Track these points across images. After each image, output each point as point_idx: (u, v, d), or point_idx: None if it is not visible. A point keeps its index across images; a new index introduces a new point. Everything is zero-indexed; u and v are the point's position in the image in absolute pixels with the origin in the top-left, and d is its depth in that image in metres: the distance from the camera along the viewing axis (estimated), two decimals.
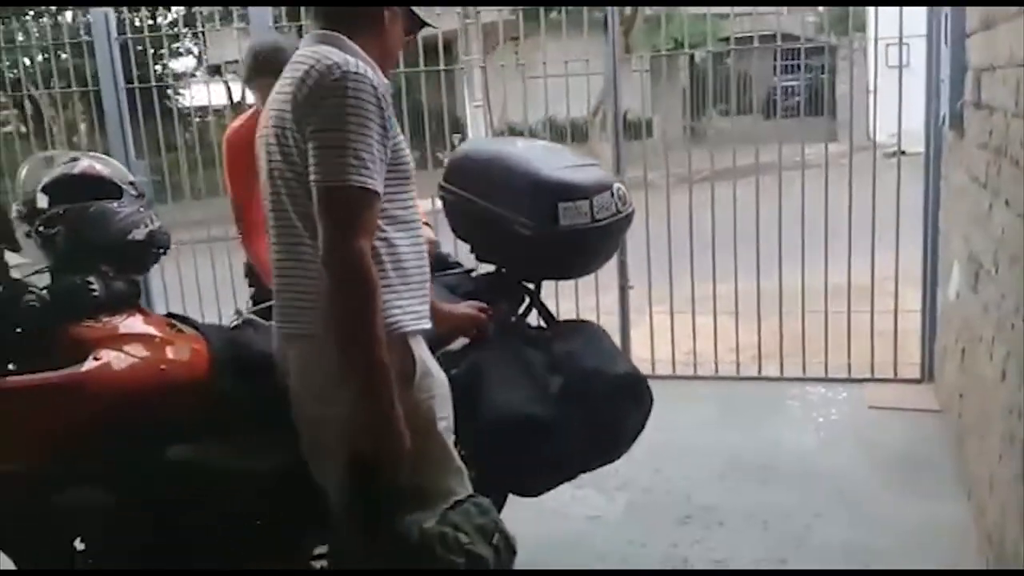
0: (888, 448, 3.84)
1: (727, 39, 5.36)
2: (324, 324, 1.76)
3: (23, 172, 2.29)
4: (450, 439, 1.99)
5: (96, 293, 2.06)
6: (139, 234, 2.24)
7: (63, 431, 1.88)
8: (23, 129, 7.43)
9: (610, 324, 4.83)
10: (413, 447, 1.78)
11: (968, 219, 3.37)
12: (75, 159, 2.29)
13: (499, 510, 2.71)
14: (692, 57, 6.40)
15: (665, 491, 3.56)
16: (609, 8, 4.72)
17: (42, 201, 2.15)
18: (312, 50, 1.82)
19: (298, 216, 1.81)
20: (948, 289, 3.92)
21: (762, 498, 3.44)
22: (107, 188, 2.23)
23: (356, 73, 1.73)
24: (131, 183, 2.30)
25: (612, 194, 2.52)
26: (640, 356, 4.86)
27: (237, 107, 8.41)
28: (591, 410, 2.40)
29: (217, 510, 2.06)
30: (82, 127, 11.97)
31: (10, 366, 1.96)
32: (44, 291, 2.00)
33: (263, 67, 2.96)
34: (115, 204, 2.22)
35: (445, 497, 1.91)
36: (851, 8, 5.81)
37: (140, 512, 1.97)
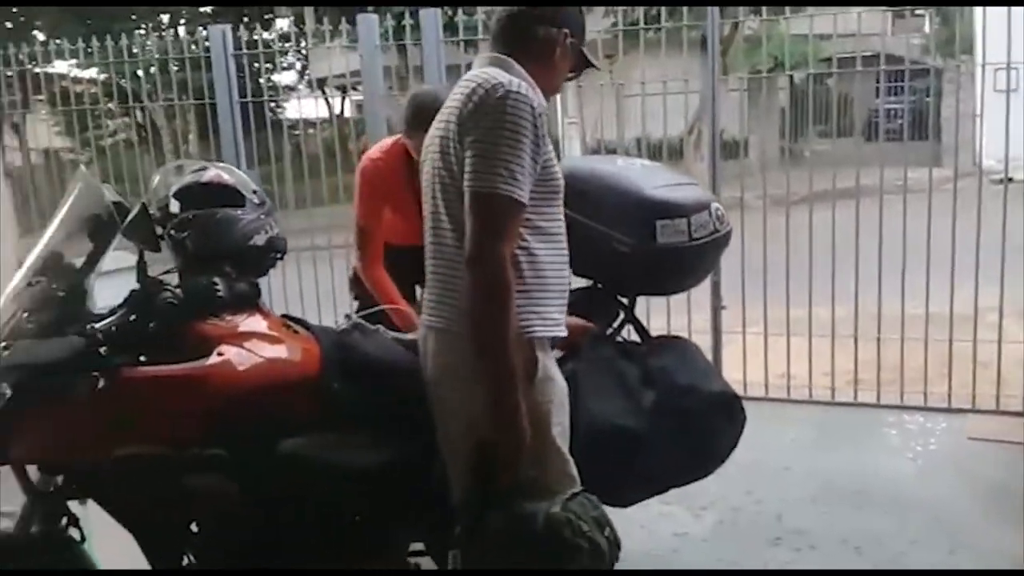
0: (988, 480, 3.74)
1: (828, 60, 5.29)
2: (463, 320, 1.90)
3: (156, 179, 2.46)
4: (564, 445, 2.06)
5: (221, 293, 2.20)
6: (260, 239, 2.38)
7: (187, 420, 2.01)
8: (135, 138, 7.83)
9: (702, 344, 4.79)
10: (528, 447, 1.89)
11: None
12: (203, 168, 2.44)
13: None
14: (791, 77, 6.34)
15: (755, 512, 3.54)
16: (709, 26, 4.74)
17: (174, 206, 2.31)
18: (483, 71, 1.98)
19: (449, 219, 1.97)
20: None
21: (856, 524, 3.40)
22: (232, 196, 2.38)
23: (517, 92, 1.88)
24: (254, 192, 2.44)
25: (710, 213, 2.55)
26: (732, 377, 4.81)
27: (338, 119, 8.70)
28: (684, 425, 2.42)
29: (322, 504, 2.16)
30: (191, 137, 12.56)
31: (141, 357, 2.11)
32: (177, 289, 2.14)
33: (422, 117, 2.84)
34: (239, 211, 2.36)
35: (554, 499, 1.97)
36: (958, 30, 5.69)
37: (252, 501, 2.08)
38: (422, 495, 2.26)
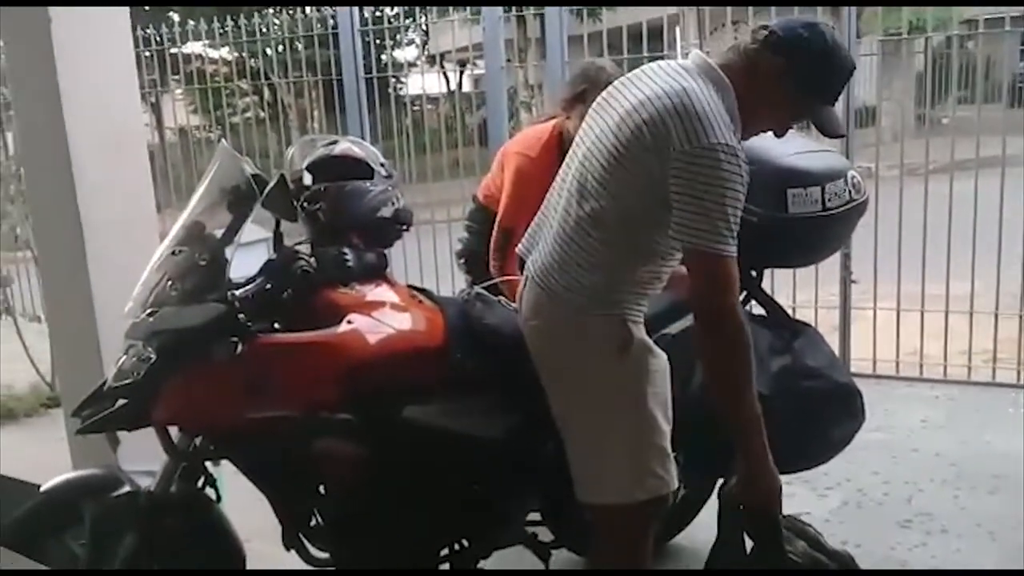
0: None
1: (973, 21, 4.99)
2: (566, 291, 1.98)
3: (291, 152, 2.54)
4: (661, 414, 2.05)
5: (350, 263, 2.27)
6: (387, 211, 2.43)
7: (318, 386, 2.08)
8: (261, 115, 8.10)
9: (830, 318, 4.69)
10: (619, 417, 2.00)
11: None
12: (334, 142, 2.50)
13: (707, 495, 2.73)
14: (927, 41, 6.01)
15: (883, 493, 3.42)
16: None
17: (307, 179, 2.38)
18: (700, 89, 1.86)
19: (594, 217, 1.94)
20: None
21: (991, 508, 3.24)
22: (361, 169, 2.43)
23: (731, 146, 1.81)
24: (381, 164, 2.50)
25: (846, 181, 2.45)
26: (861, 354, 4.67)
27: (457, 94, 8.77)
28: (804, 407, 2.35)
29: (445, 470, 2.21)
30: (316, 114, 12.92)
31: (275, 324, 2.20)
32: (310, 259, 2.22)
33: (587, 93, 2.80)
34: (367, 184, 2.41)
35: (643, 472, 2.02)
36: None
37: (378, 466, 2.14)
38: (541, 464, 2.28)
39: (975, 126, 4.62)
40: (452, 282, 4.87)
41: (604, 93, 2.08)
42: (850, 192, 2.46)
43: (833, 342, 4.60)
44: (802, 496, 3.34)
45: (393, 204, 2.46)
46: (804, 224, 2.41)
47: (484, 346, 2.25)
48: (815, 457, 2.51)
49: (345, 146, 2.48)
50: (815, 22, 1.99)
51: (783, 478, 2.55)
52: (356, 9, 5.33)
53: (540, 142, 3.06)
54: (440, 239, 5.30)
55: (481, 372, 2.23)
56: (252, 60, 8.61)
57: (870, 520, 3.22)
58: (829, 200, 2.42)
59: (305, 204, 2.36)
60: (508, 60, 6.30)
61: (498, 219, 3.11)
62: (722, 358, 1.88)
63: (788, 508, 3.21)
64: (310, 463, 2.16)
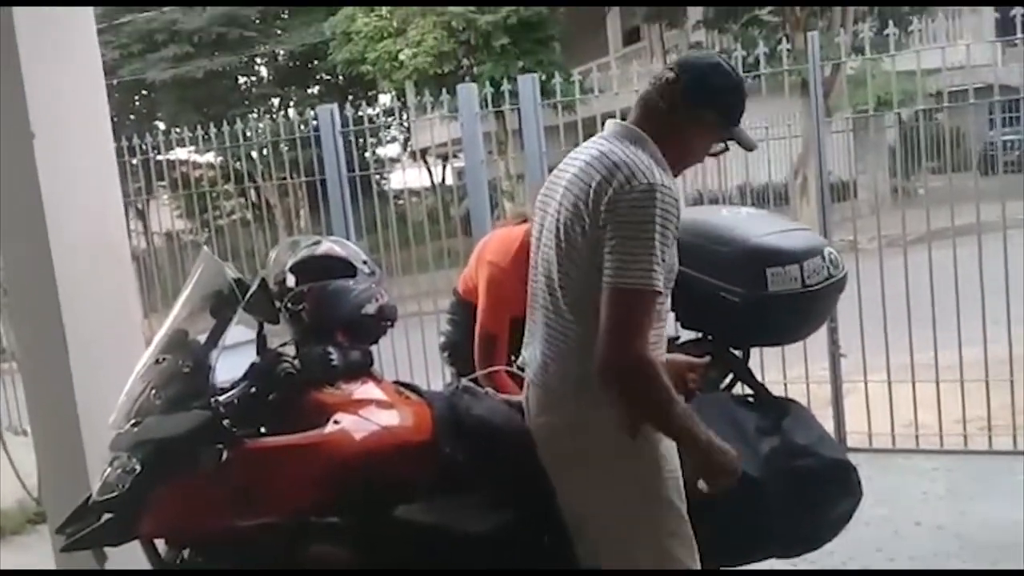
0: None
1: (937, 95, 5.14)
2: (564, 382, 2.00)
3: (273, 254, 2.56)
4: (677, 498, 2.03)
5: (335, 362, 2.26)
6: (371, 308, 2.44)
7: (307, 489, 2.05)
8: (248, 216, 8.19)
9: (821, 394, 4.68)
10: (638, 508, 1.99)
11: None
12: (317, 242, 2.53)
13: None
14: (899, 115, 6.18)
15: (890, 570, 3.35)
16: (811, 68, 4.67)
17: (290, 280, 2.40)
18: (619, 147, 1.95)
19: (565, 289, 1.98)
20: None
21: None
22: (344, 267, 2.45)
23: (664, 186, 1.87)
24: (364, 262, 2.52)
25: (823, 258, 2.48)
26: (856, 428, 4.65)
27: (439, 187, 8.91)
28: (798, 487, 2.34)
29: (439, 570, 2.16)
30: (302, 212, 13.09)
31: (262, 429, 2.17)
32: (295, 360, 2.21)
33: None
34: (351, 282, 2.43)
35: (667, 560, 1.99)
36: None
37: (371, 569, 2.09)
38: (536, 559, 2.24)
39: (949, 195, 4.70)
40: (441, 371, 4.84)
41: (543, 188, 2.14)
42: (828, 268, 2.50)
43: (827, 417, 4.61)
44: None
45: (377, 300, 2.47)
46: (785, 302, 2.43)
47: (473, 438, 2.23)
48: (816, 538, 2.48)
49: (327, 246, 2.51)
50: (705, 52, 2.08)
51: (787, 561, 2.52)
52: (337, 110, 5.45)
53: (510, 252, 3.04)
54: (428, 330, 5.29)
55: (471, 465, 2.21)
56: (237, 163, 8.75)
57: None
58: (808, 277, 2.45)
59: (289, 305, 2.37)
60: (489, 153, 6.43)
61: (479, 326, 3.11)
62: (646, 391, 1.88)
63: None
64: (302, 570, 2.12)
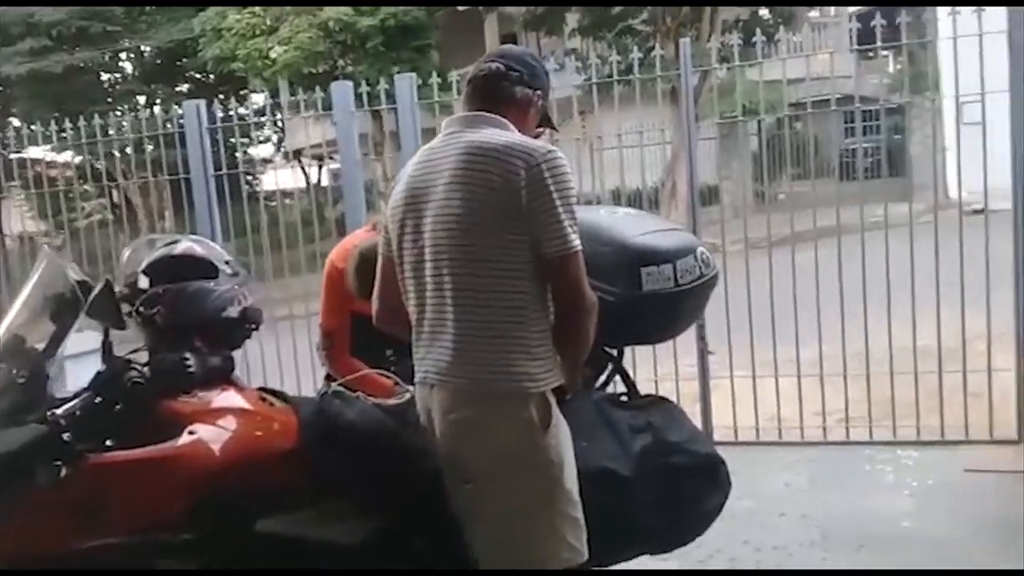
0: (988, 512, 3.68)
1: (799, 104, 5.36)
2: (488, 376, 2.03)
3: (126, 254, 2.41)
4: (574, 487, 2.09)
5: (192, 369, 2.14)
6: (233, 311, 2.33)
7: (159, 505, 1.93)
8: (110, 217, 7.80)
9: (689, 389, 4.79)
10: (541, 495, 2.04)
11: None
12: (175, 241, 2.40)
13: None
14: (760, 123, 6.42)
15: (754, 562, 3.45)
16: (683, 75, 4.79)
17: (143, 282, 2.26)
18: (488, 133, 2.05)
19: (512, 290, 2.02)
20: None
21: (859, 567, 3.31)
22: (204, 268, 2.33)
23: (558, 154, 2.01)
24: (226, 262, 2.40)
25: (695, 257, 2.51)
26: (722, 422, 4.78)
27: (314, 188, 8.70)
28: (670, 483, 2.36)
29: None
30: (167, 214, 12.53)
31: (107, 442, 2.02)
32: (145, 368, 2.08)
33: None
34: (211, 283, 2.31)
35: (559, 545, 2.05)
36: (928, 66, 5.78)
37: None
38: (410, 564, 2.18)
39: (810, 200, 4.90)
40: (314, 376, 4.71)
41: (402, 193, 2.14)
42: (700, 268, 2.53)
43: (695, 412, 4.72)
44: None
45: (240, 303, 2.37)
46: (659, 301, 2.45)
47: (343, 445, 2.15)
48: (688, 533, 2.51)
49: (186, 245, 2.38)
50: (511, 45, 2.20)
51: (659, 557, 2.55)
52: (204, 105, 5.23)
53: (349, 253, 2.93)
54: (300, 335, 5.14)
55: (340, 473, 2.13)
56: (98, 162, 8.29)
57: None
58: (681, 276, 2.47)
59: (141, 309, 2.23)
60: (365, 154, 6.30)
61: (319, 323, 3.09)
62: (590, 334, 2.07)
63: None
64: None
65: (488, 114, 2.11)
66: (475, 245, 2.01)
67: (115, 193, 11.77)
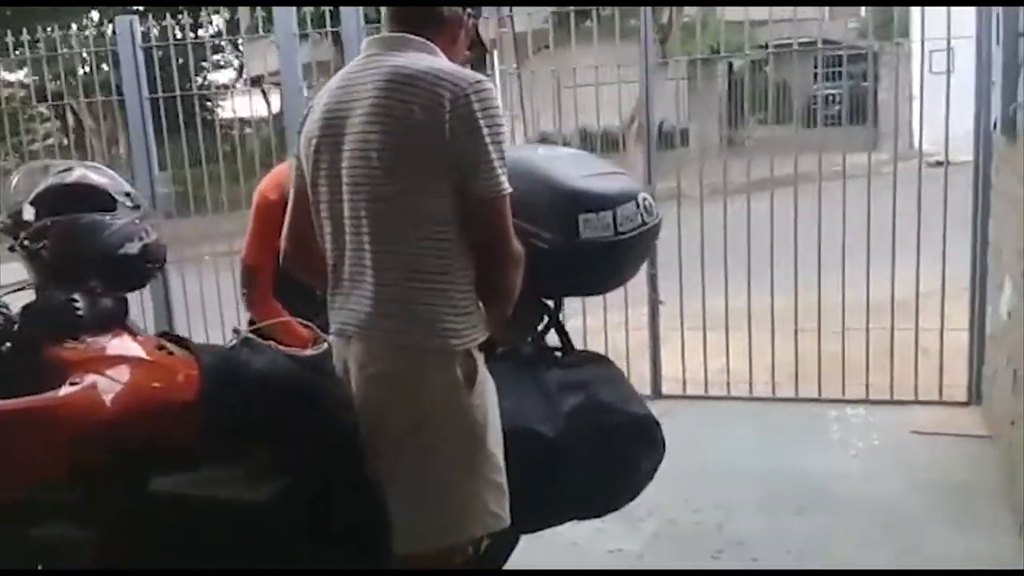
0: (933, 476, 3.63)
1: (764, 46, 5.17)
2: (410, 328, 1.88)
3: (13, 181, 2.18)
4: (498, 450, 1.97)
5: (80, 312, 1.94)
6: (132, 248, 2.12)
7: (38, 460, 1.76)
8: (64, 141, 7.44)
9: (639, 340, 4.68)
10: (464, 456, 1.92)
11: (1022, 231, 3.15)
12: (69, 168, 2.17)
13: (511, 548, 2.56)
14: (730, 65, 6.22)
15: (694, 522, 3.36)
16: (642, 14, 4.57)
17: (28, 213, 2.04)
18: (412, 58, 1.87)
19: (436, 236, 1.86)
20: (999, 307, 3.70)
21: (800, 529, 3.25)
22: (101, 199, 2.11)
23: (487, 87, 1.84)
24: (127, 194, 2.18)
25: (637, 204, 2.35)
26: (671, 375, 4.68)
27: (276, 118, 8.35)
28: (600, 444, 2.25)
29: (206, 544, 1.92)
30: (121, 139, 12.06)
31: None
32: (22, 310, 1.88)
33: None
34: (107, 216, 2.10)
35: (480, 511, 1.95)
36: (895, 12, 5.59)
37: (120, 548, 1.83)
38: (325, 524, 2.04)
39: (776, 146, 4.75)
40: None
41: (316, 121, 1.97)
42: (642, 215, 2.36)
43: (644, 363, 4.63)
44: (614, 531, 3.21)
45: (142, 239, 2.15)
46: (597, 249, 2.29)
47: (249, 397, 1.99)
48: (622, 495, 2.42)
49: (80, 172, 2.16)
50: None
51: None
52: (137, 21, 4.90)
53: (281, 185, 2.74)
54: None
55: (246, 427, 1.96)
56: (53, 83, 7.88)
57: (682, 552, 3.15)
58: (621, 224, 2.31)
59: (26, 243, 2.02)
60: (309, 85, 5.99)
61: (241, 258, 2.89)
62: (517, 285, 1.95)
63: (603, 544, 3.16)
64: (36, 552, 1.82)
65: (412, 36, 1.92)
66: (395, 184, 1.85)
67: (71, 117, 11.31)
